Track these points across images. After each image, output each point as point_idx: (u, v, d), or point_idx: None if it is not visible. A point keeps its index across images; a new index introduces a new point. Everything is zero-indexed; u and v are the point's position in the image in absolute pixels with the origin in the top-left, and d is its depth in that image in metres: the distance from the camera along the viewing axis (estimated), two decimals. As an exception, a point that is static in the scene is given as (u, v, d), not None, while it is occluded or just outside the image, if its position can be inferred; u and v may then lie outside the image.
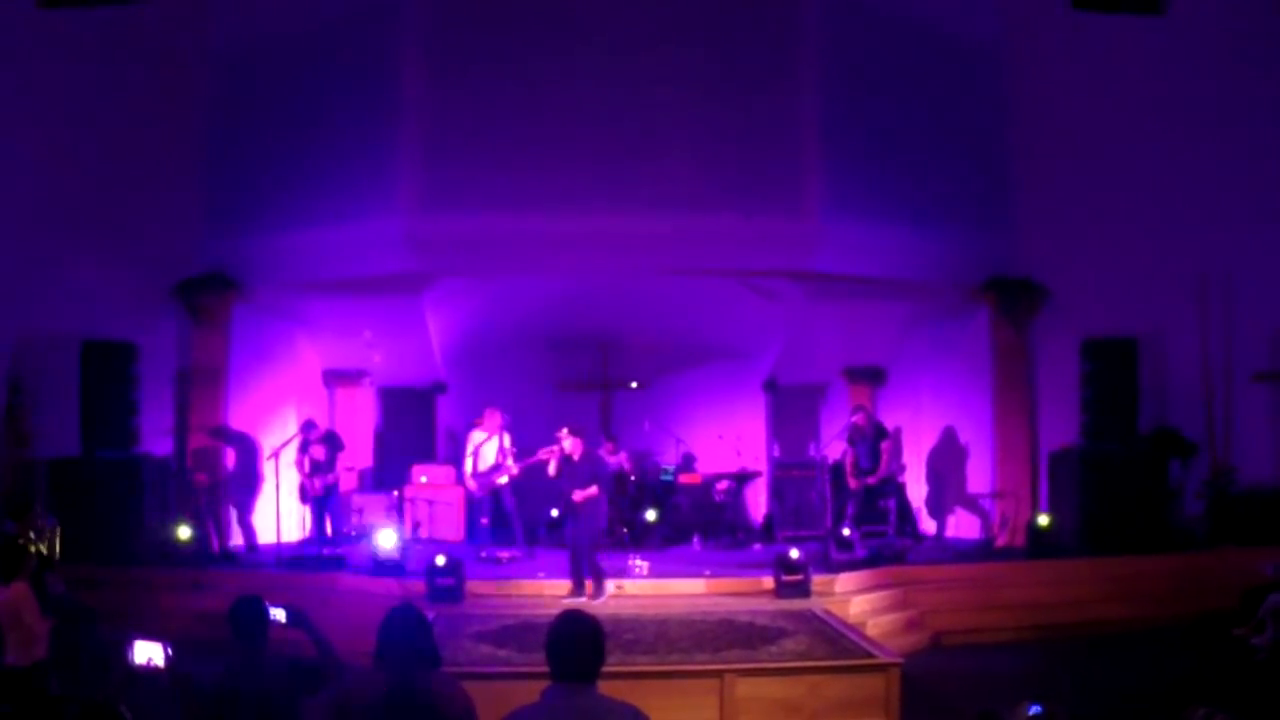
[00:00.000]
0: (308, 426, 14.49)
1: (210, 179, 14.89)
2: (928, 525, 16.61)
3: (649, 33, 13.68)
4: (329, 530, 14.36)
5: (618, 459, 15.51)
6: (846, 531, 13.45)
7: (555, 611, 4.17)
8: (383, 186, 13.71)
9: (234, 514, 15.12)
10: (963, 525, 16.05)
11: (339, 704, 4.34)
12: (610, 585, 11.91)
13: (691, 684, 8.69)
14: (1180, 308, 14.94)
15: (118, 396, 13.49)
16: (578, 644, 3.98)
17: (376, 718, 4.27)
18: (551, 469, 12.37)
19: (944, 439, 16.49)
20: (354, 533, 15.05)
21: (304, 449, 14.25)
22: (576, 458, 12.02)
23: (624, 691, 4.19)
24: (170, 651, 4.45)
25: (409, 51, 13.78)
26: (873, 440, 14.94)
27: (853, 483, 14.90)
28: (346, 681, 4.55)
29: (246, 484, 15.20)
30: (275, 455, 13.73)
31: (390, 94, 13.78)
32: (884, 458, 14.83)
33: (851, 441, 15.10)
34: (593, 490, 11.82)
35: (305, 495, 14.40)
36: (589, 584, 11.84)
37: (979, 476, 15.70)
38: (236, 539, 14.97)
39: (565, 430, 12.22)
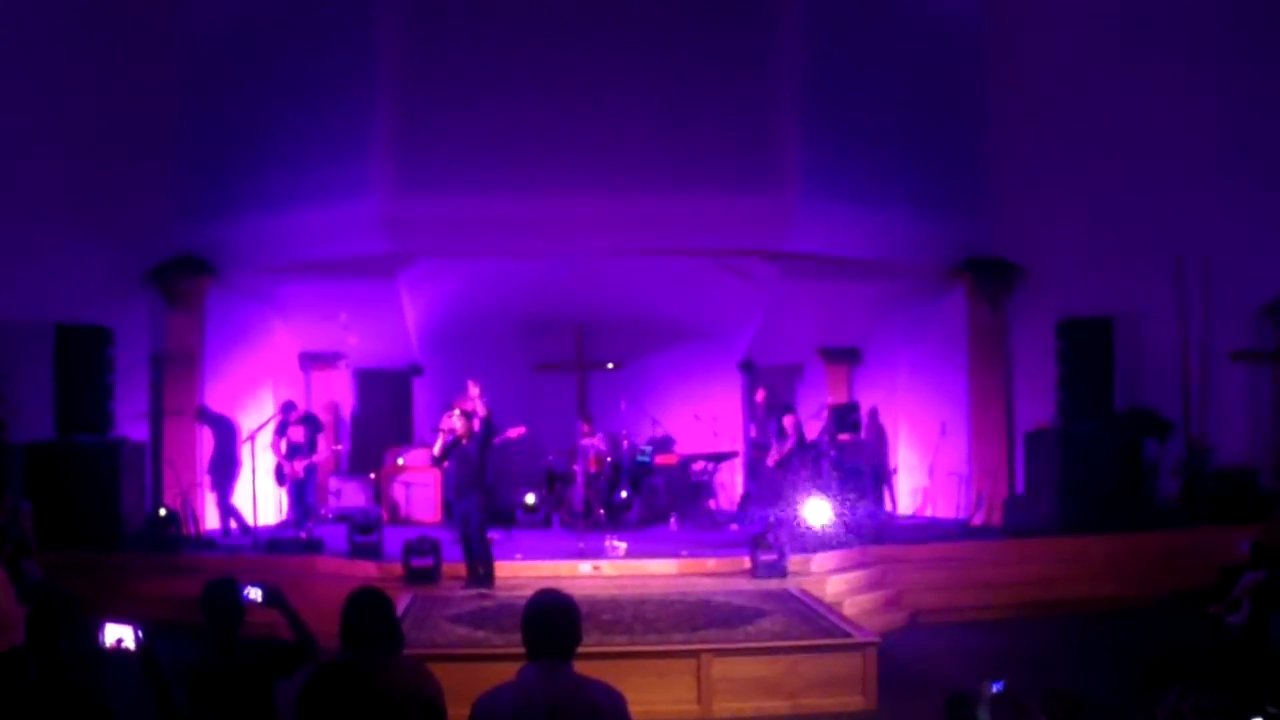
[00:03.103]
0: (287, 408, 14.47)
1: (183, 162, 14.78)
2: (900, 505, 16.74)
3: (624, 12, 13.62)
4: (306, 513, 14.31)
5: (594, 441, 15.50)
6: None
7: (531, 593, 4.16)
8: (356, 169, 13.64)
9: (212, 497, 15.04)
10: (939, 505, 16.11)
11: (305, 688, 4.32)
12: (586, 566, 11.88)
13: (669, 664, 8.71)
14: (1156, 287, 14.92)
15: (93, 381, 13.33)
16: (552, 622, 3.99)
17: (342, 702, 4.25)
18: (464, 437, 11.51)
19: (919, 419, 16.57)
20: (330, 515, 15.00)
21: (281, 430, 14.21)
22: (477, 426, 11.52)
23: (601, 672, 4.19)
24: (141, 634, 4.41)
25: (383, 34, 13.68)
26: (778, 417, 15.24)
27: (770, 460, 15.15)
28: (314, 666, 4.53)
29: (224, 467, 15.11)
30: (252, 438, 13.66)
31: (364, 77, 13.70)
32: (789, 436, 14.82)
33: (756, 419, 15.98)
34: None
35: (281, 477, 14.35)
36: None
37: (955, 456, 15.75)
38: (213, 522, 14.89)
39: (472, 383, 11.92)
